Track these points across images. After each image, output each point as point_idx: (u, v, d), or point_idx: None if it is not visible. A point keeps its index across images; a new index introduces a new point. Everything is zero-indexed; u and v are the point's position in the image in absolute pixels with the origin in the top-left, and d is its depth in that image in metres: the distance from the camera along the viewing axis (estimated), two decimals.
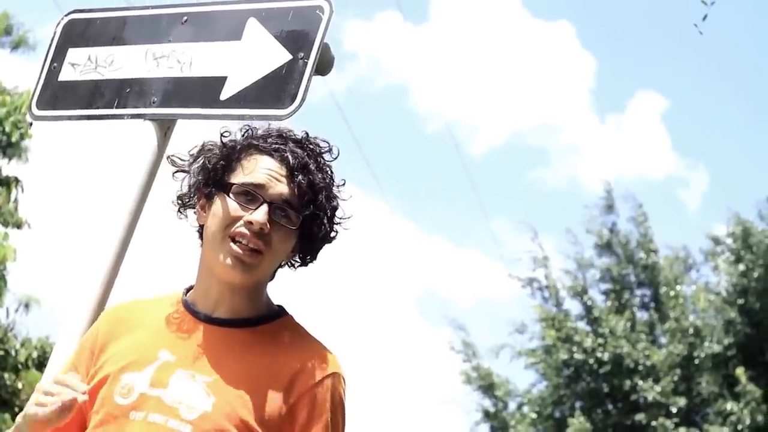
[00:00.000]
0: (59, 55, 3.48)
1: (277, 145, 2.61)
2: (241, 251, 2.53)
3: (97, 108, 3.34)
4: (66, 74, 3.44)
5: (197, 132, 2.96)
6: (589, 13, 49.00)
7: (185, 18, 3.31)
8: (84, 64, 3.41)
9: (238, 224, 2.54)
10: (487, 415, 23.29)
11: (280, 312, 2.67)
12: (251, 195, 2.56)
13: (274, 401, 2.49)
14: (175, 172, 2.73)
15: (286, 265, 2.70)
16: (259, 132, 2.67)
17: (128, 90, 3.29)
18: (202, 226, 2.66)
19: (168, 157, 2.81)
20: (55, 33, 3.52)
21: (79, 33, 3.49)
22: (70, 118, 3.41)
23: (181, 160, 2.73)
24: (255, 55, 3.10)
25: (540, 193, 41.86)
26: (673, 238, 35.02)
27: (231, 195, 2.57)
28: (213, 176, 2.62)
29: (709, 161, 41.94)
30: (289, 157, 2.58)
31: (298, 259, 2.70)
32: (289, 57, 3.04)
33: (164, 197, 2.75)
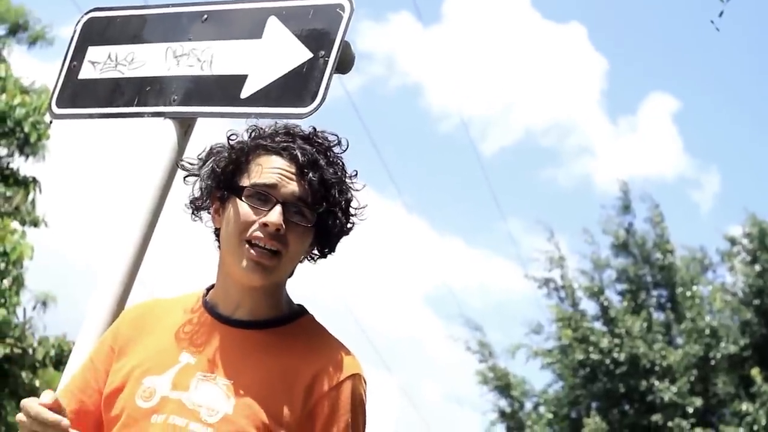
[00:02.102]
0: (79, 54, 3.48)
1: (285, 144, 2.58)
2: (260, 255, 2.51)
3: (117, 106, 3.34)
4: (86, 72, 3.44)
5: (217, 130, 2.96)
6: (601, 15, 49.03)
7: (205, 16, 3.30)
8: (104, 63, 3.41)
9: (254, 227, 2.52)
10: (503, 415, 23.27)
11: (300, 312, 2.66)
12: (264, 196, 2.53)
13: (295, 403, 2.48)
14: (186, 176, 2.71)
15: (306, 260, 2.68)
16: (266, 131, 2.64)
17: (148, 88, 3.29)
18: (218, 229, 2.65)
19: (178, 162, 2.80)
20: (75, 31, 3.52)
21: (98, 31, 3.48)
22: (90, 116, 3.41)
23: (191, 164, 2.72)
24: (275, 53, 3.09)
25: (552, 193, 41.86)
26: (686, 239, 34.98)
27: (243, 198, 2.54)
28: (224, 180, 2.60)
29: (721, 162, 41.93)
30: (299, 154, 2.55)
31: (317, 252, 2.69)
32: (310, 55, 3.03)
33: (184, 196, 2.74)
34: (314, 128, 2.65)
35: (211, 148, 2.67)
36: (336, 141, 2.64)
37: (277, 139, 2.59)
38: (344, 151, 2.65)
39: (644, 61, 45.09)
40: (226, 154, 2.61)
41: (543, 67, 43.39)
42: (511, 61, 45.12)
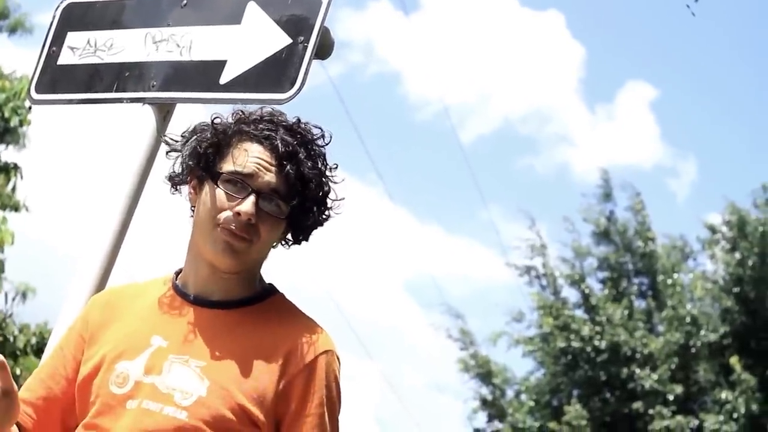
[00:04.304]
0: (58, 39, 3.48)
1: (267, 132, 2.56)
2: (230, 237, 2.52)
3: (97, 92, 3.34)
4: (65, 58, 3.43)
5: (197, 115, 2.96)
6: (579, 3, 49.01)
7: (185, 2, 3.30)
8: (83, 48, 3.41)
9: (226, 213, 2.52)
10: (484, 402, 23.33)
11: (270, 290, 2.66)
12: (240, 184, 2.53)
13: (269, 381, 2.48)
14: (169, 152, 2.71)
15: (279, 245, 2.68)
16: (250, 117, 2.62)
17: (127, 74, 3.29)
18: (194, 206, 2.66)
19: (162, 137, 2.80)
20: (54, 17, 3.51)
21: (78, 17, 3.48)
22: (69, 101, 3.41)
23: (174, 140, 2.71)
24: (255, 39, 3.10)
25: (530, 182, 41.92)
26: (663, 227, 35.07)
27: (219, 184, 2.55)
28: (204, 160, 2.60)
29: (698, 151, 42.08)
30: (279, 144, 2.54)
31: (290, 238, 2.69)
32: (289, 41, 3.04)
33: (163, 181, 2.74)
34: (299, 119, 2.63)
35: (194, 127, 2.66)
36: (320, 134, 2.63)
37: (261, 126, 2.58)
38: (327, 144, 2.64)
39: (622, 49, 45.25)
40: (209, 135, 2.61)
41: (521, 55, 43.45)
42: (489, 49, 45.13)
